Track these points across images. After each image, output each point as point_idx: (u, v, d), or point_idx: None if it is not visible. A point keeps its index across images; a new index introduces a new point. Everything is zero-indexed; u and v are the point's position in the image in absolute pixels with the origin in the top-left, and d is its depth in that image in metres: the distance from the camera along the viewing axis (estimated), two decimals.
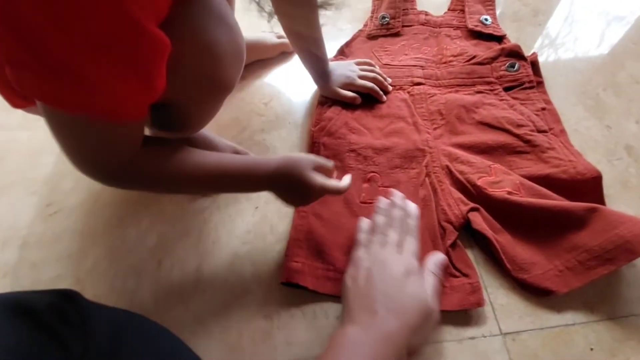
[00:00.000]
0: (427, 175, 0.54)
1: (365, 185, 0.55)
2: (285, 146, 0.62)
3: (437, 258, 0.41)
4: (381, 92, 0.63)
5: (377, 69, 0.65)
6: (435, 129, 0.59)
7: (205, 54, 0.38)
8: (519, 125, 0.56)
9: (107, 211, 0.57)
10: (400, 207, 0.45)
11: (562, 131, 0.57)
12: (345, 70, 0.64)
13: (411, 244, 0.41)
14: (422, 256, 0.49)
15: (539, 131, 0.56)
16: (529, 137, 0.55)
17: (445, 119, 0.60)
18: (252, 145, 0.62)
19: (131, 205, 0.58)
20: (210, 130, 0.60)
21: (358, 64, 0.66)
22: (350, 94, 0.63)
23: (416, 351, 0.37)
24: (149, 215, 0.57)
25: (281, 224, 0.54)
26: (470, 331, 0.44)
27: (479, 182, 0.51)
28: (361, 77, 0.63)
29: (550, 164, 0.52)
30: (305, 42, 0.58)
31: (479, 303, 0.44)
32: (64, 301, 0.31)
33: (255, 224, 0.55)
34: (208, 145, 0.58)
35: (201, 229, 0.55)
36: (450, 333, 0.44)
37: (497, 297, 0.46)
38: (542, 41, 0.70)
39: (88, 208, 0.58)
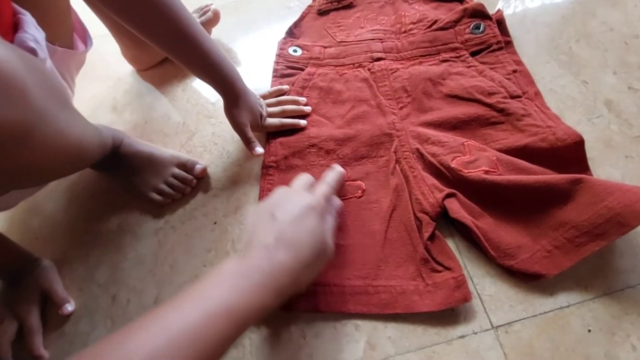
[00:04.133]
0: (397, 161, 0.49)
1: None
2: (240, 149, 0.56)
3: (329, 176, 0.44)
4: (298, 121, 0.54)
5: (285, 97, 0.56)
6: (401, 108, 0.54)
7: None
8: (490, 94, 0.51)
9: (49, 247, 0.51)
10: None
11: (537, 93, 0.52)
12: (253, 105, 0.52)
13: (323, 189, 0.41)
14: (400, 257, 0.45)
15: (512, 97, 0.51)
16: (502, 105, 0.50)
17: (411, 96, 0.54)
18: (203, 152, 0.56)
19: (75, 238, 0.52)
20: (154, 144, 0.54)
21: (263, 97, 0.56)
22: (249, 136, 0.51)
23: (304, 286, 0.36)
24: (96, 246, 0.51)
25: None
26: (459, 329, 0.41)
27: (453, 164, 0.46)
28: (269, 116, 0.54)
29: (528, 133, 0.47)
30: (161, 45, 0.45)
31: (466, 298, 0.40)
32: None
33: (216, 241, 0.49)
34: (151, 161, 0.52)
35: (156, 254, 0.50)
36: (439, 334, 0.41)
37: (484, 288, 0.42)
38: None
39: (26, 245, 0.52)
